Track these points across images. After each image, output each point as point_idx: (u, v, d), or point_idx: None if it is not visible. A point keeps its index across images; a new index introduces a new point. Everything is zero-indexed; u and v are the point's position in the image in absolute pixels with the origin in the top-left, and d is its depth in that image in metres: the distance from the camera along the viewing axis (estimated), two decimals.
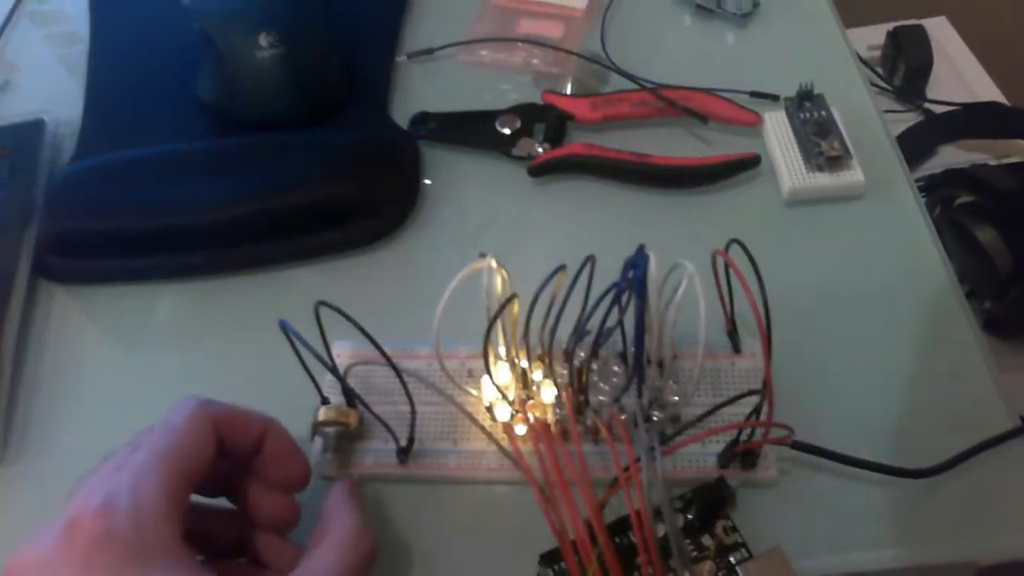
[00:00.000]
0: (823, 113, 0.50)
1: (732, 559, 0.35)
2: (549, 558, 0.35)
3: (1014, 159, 0.78)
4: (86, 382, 0.44)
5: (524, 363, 0.37)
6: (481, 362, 0.40)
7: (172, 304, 0.46)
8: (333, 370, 0.34)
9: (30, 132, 0.51)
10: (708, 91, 0.51)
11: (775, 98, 0.52)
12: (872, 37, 0.86)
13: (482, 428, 0.36)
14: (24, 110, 0.53)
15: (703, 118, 0.50)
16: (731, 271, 0.38)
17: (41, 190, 0.48)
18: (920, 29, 0.88)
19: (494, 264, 0.33)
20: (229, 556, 0.35)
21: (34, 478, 0.41)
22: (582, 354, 0.36)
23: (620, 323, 0.36)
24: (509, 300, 0.32)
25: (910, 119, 0.81)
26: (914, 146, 0.78)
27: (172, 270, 0.46)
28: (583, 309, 0.34)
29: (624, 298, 0.34)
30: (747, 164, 0.48)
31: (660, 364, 0.37)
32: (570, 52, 0.54)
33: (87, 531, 0.27)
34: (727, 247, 0.35)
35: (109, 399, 0.43)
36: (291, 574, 0.30)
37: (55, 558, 0.27)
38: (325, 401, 0.38)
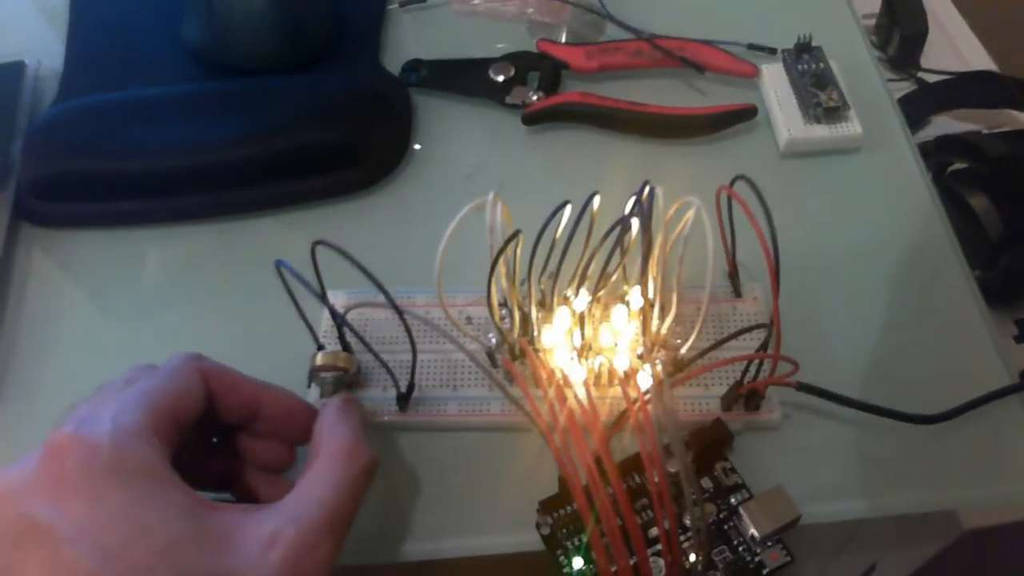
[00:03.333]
0: (821, 65, 0.49)
1: (733, 500, 0.34)
2: (548, 504, 0.34)
3: (1006, 128, 0.77)
4: (67, 326, 0.42)
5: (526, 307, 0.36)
6: (478, 309, 0.39)
7: (157, 249, 0.45)
8: (331, 309, 0.33)
9: (10, 74, 0.49)
10: (705, 42, 0.50)
11: (772, 51, 0.51)
12: (867, 5, 0.85)
13: (488, 374, 0.35)
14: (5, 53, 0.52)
15: (700, 68, 0.50)
16: (733, 214, 0.38)
17: (22, 133, 0.47)
18: None
19: (498, 200, 0.32)
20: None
21: (13, 422, 0.39)
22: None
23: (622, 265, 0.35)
24: (514, 235, 0.31)
25: (904, 88, 0.80)
26: (908, 115, 0.77)
27: (156, 215, 0.45)
28: (585, 246, 0.33)
29: (627, 239, 0.33)
30: (744, 115, 0.48)
31: (662, 307, 0.36)
32: (565, 1, 0.53)
33: (61, 452, 0.26)
34: (732, 183, 0.34)
35: (91, 343, 0.42)
36: (286, 498, 0.29)
37: (28, 483, 0.26)
38: (321, 348, 0.37)
